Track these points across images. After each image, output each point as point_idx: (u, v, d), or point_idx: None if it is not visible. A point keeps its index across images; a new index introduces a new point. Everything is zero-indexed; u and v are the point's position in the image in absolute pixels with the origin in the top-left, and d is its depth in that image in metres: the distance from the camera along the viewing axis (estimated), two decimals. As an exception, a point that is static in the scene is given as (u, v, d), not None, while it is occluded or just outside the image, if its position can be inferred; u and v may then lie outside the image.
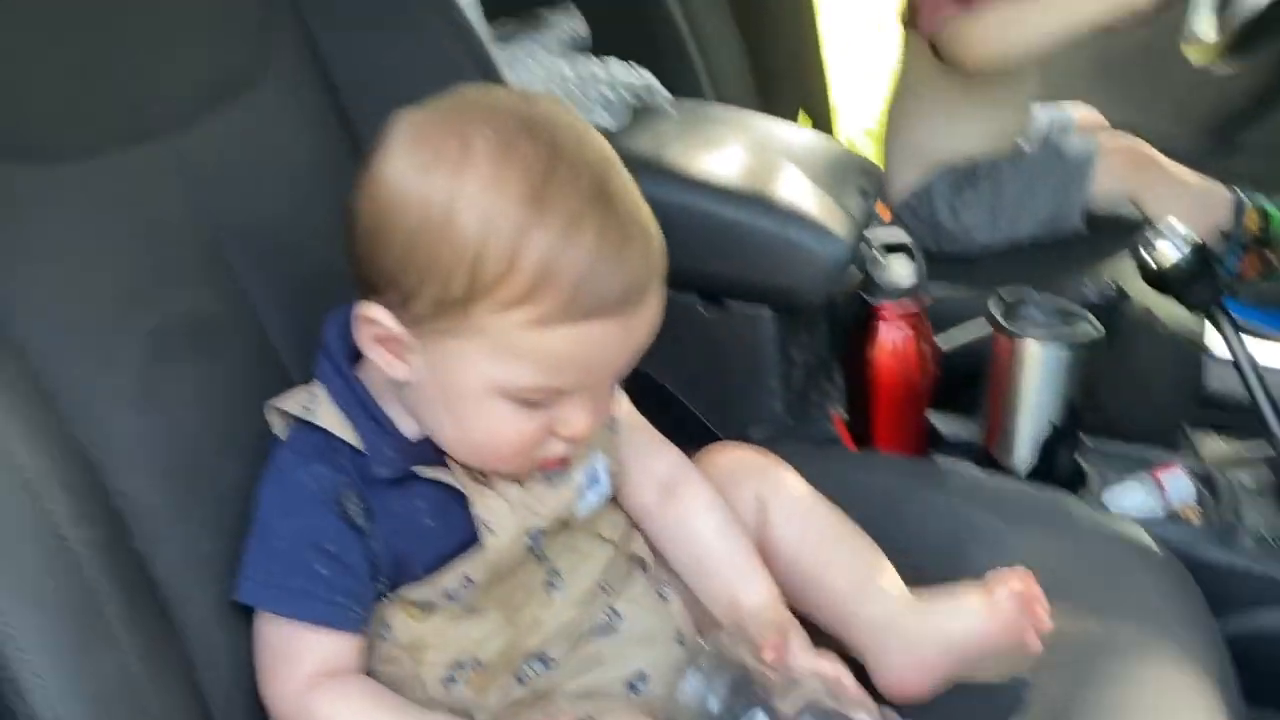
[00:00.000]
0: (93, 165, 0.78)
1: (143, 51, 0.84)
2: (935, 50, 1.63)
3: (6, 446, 0.65)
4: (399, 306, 0.69)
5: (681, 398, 1.30)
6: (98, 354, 0.73)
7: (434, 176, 0.67)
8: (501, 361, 0.68)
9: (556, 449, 0.74)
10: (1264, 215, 1.65)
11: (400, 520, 0.74)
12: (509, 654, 0.78)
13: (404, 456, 0.74)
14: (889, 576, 0.86)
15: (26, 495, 0.65)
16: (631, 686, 0.79)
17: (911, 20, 1.69)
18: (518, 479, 0.77)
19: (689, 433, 0.96)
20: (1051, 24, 1.51)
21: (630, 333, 0.70)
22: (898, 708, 0.81)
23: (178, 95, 0.86)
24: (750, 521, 0.88)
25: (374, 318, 0.71)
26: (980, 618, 0.80)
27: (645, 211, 0.70)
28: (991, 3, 1.54)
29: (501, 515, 0.75)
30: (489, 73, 1.01)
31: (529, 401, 0.70)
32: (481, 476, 0.76)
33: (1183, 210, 1.49)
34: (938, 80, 1.69)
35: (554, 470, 0.77)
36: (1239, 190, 1.68)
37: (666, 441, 0.91)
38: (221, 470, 0.77)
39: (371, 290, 0.71)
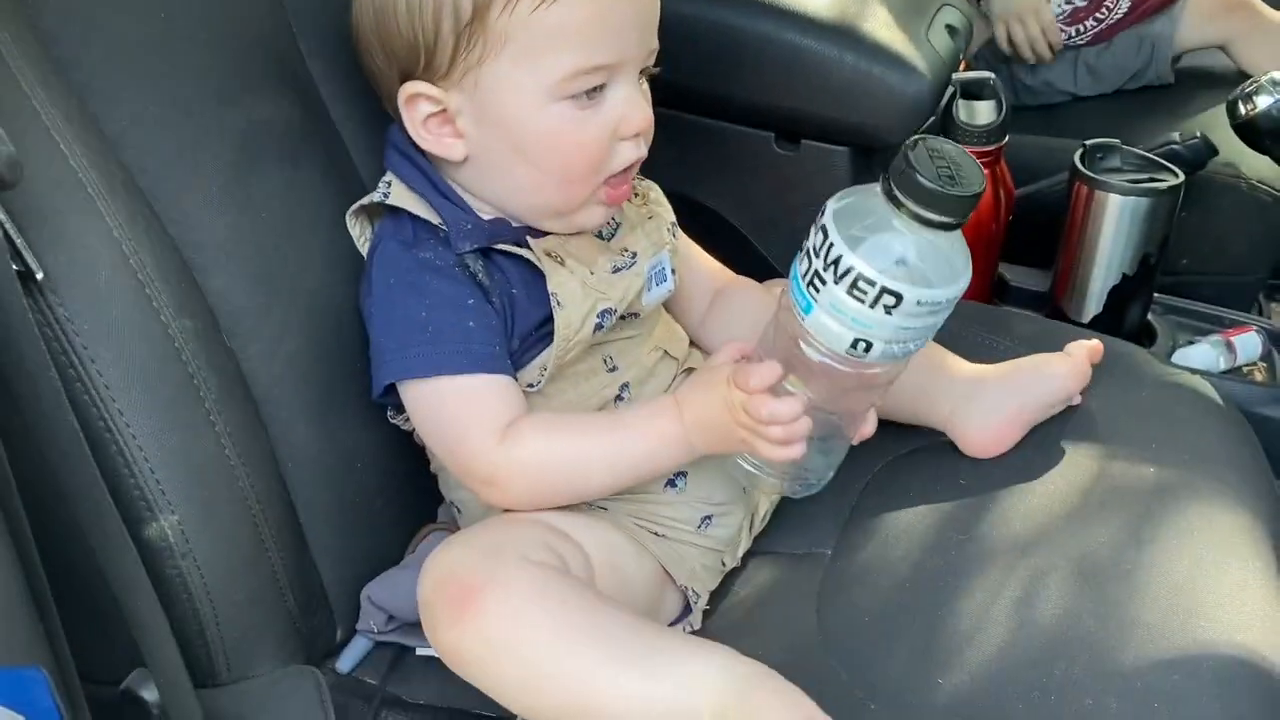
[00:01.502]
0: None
1: None
2: None
3: (114, 235, 0.67)
4: (428, 71, 0.73)
5: (752, 239, 1.30)
6: (190, 154, 0.75)
7: None
8: (535, 59, 0.71)
9: (626, 154, 0.76)
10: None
11: (496, 285, 0.76)
12: None
13: (482, 231, 0.77)
14: (955, 358, 0.91)
15: (136, 285, 0.68)
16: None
17: None
18: (599, 230, 0.80)
19: (757, 276, 0.96)
20: None
21: None
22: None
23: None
24: None
25: (416, 91, 0.74)
26: (1064, 379, 0.91)
27: None
28: None
29: (573, 290, 0.77)
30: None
31: (580, 99, 0.73)
32: (557, 257, 0.78)
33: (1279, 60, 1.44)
34: None
35: (624, 201, 0.80)
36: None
37: (717, 263, 0.94)
38: (301, 274, 0.79)
39: (402, 77, 0.74)
